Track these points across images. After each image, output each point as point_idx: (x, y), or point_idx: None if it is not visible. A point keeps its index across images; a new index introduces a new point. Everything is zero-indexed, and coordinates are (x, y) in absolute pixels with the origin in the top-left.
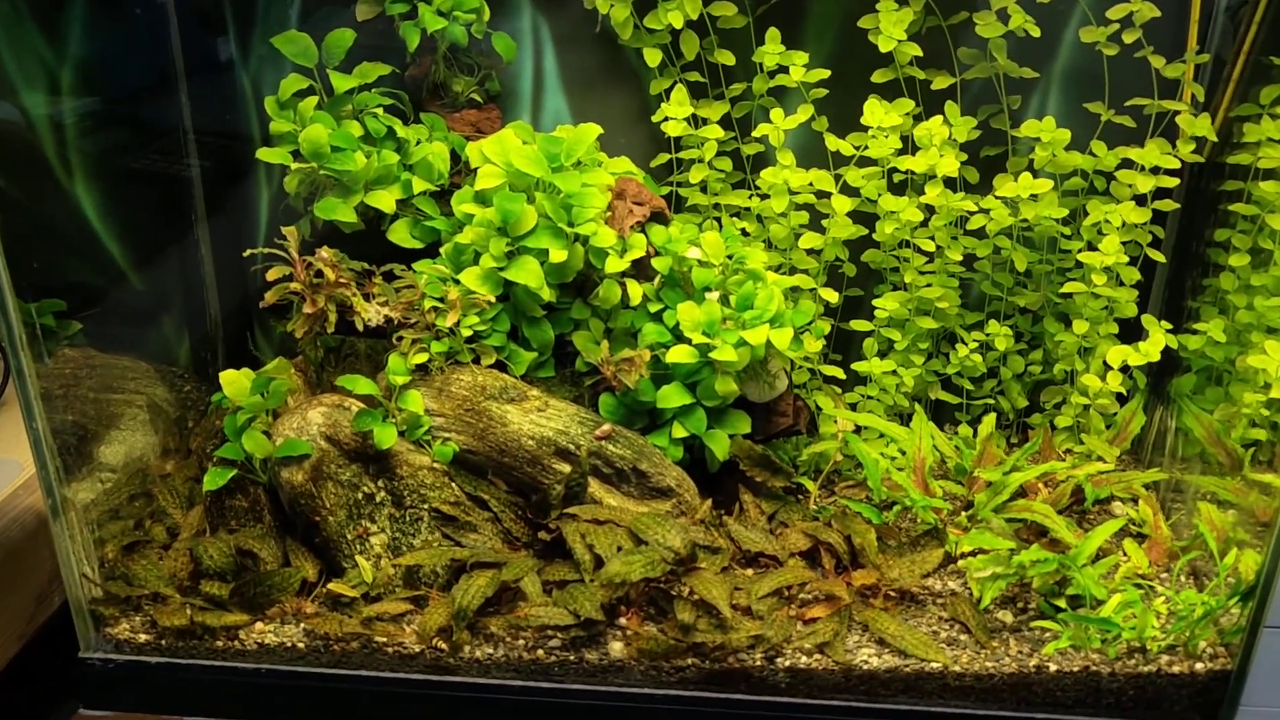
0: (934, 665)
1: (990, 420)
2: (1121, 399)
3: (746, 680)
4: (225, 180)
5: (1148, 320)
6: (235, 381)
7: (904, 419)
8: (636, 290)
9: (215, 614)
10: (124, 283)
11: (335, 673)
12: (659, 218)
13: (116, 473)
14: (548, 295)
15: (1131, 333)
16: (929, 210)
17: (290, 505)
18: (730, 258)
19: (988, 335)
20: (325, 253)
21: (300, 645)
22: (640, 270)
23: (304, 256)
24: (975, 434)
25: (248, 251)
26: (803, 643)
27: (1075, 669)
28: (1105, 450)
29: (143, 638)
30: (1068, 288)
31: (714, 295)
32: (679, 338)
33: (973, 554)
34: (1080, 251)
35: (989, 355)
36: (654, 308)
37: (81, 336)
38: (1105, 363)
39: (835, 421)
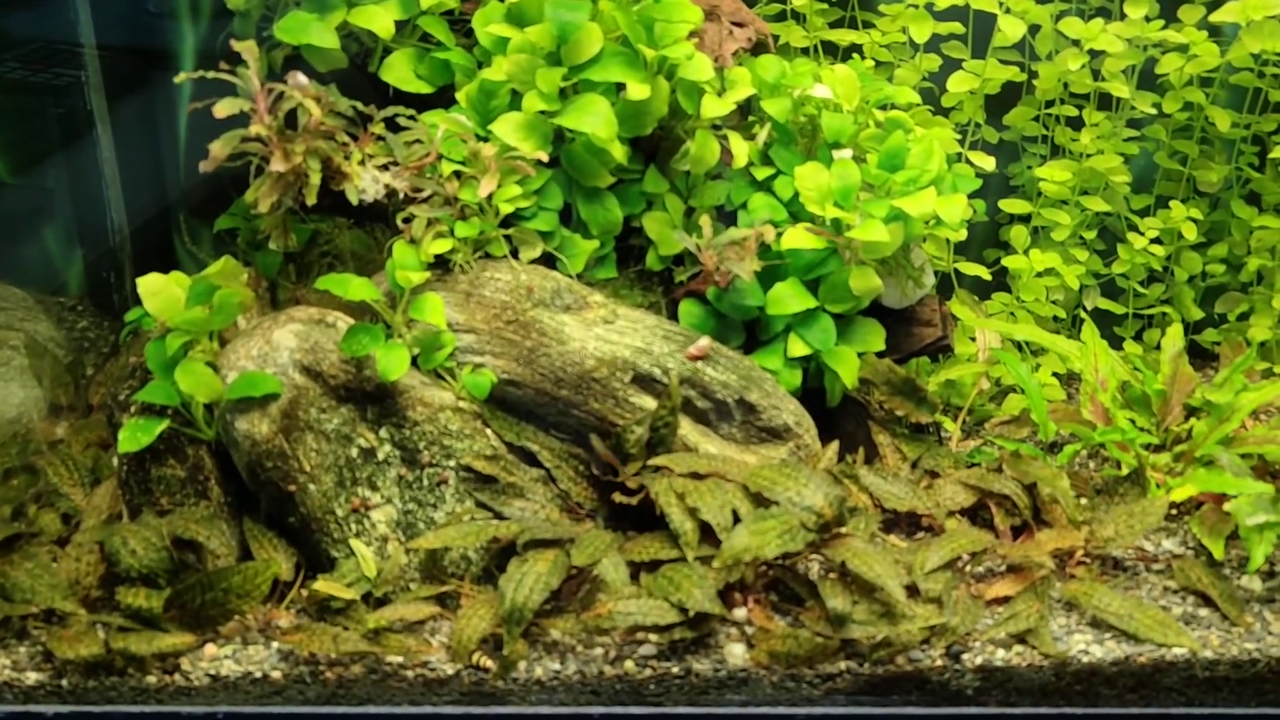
0: (1177, 652)
1: (1176, 332)
2: None
3: (921, 686)
4: (130, 27)
5: None
6: (162, 290)
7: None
8: (741, 147)
9: (143, 636)
10: None
11: (329, 712)
12: (762, 49)
13: None
14: (621, 155)
15: None
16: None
17: (251, 471)
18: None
19: (1165, 223)
20: (303, 78)
21: (275, 674)
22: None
23: (271, 84)
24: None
25: (181, 76)
26: (996, 631)
27: None
28: None
29: (32, 678)
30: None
31: (847, 153)
32: (797, 216)
33: (1192, 504)
34: None
35: (1162, 249)
36: (761, 174)
37: None
38: None
39: (974, 338)
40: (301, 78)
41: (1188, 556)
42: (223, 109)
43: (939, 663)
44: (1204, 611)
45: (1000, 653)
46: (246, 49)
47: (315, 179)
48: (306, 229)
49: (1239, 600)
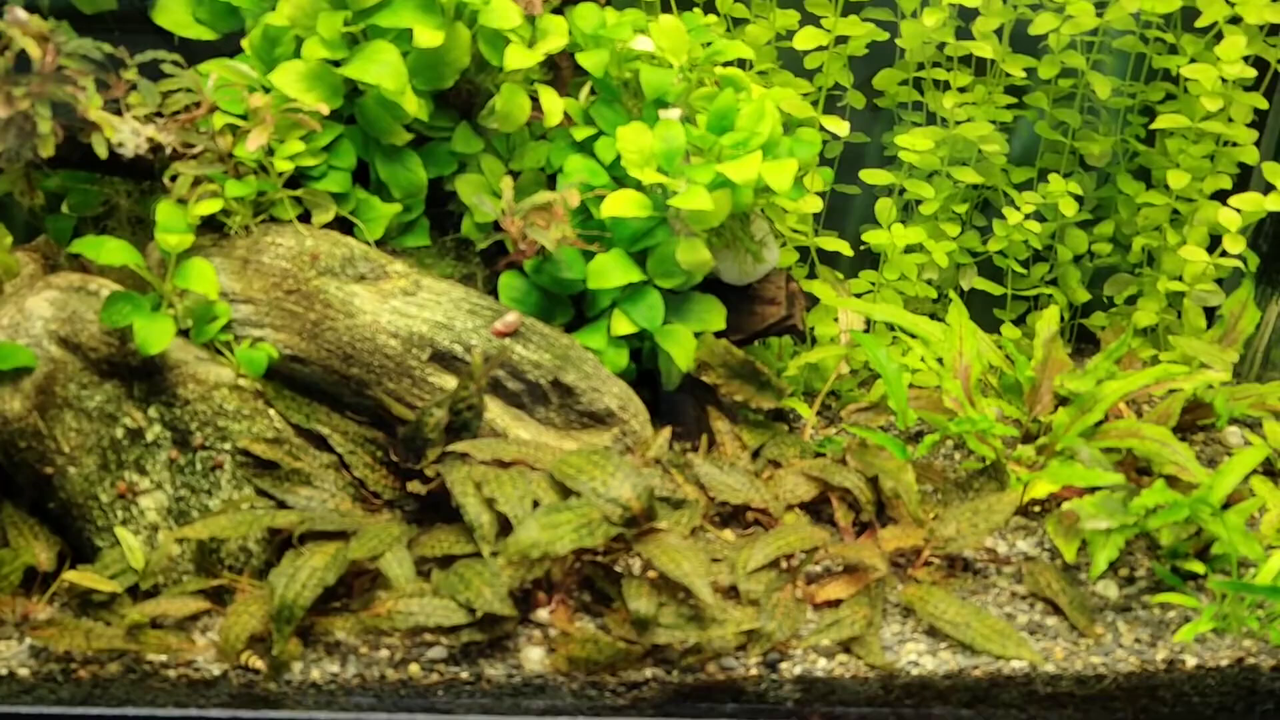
0: (1017, 665)
1: (1052, 314)
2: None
3: (736, 697)
4: None
5: (1272, 169)
6: None
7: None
8: (555, 104)
9: None
10: None
11: (83, 713)
12: None
13: None
14: (414, 108)
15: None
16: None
17: (5, 451)
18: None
19: (1045, 197)
20: (22, 13)
21: (23, 672)
22: (558, 79)
23: None
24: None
25: None
26: (820, 638)
27: (1223, 663)
28: (1212, 354)
29: None
30: (1163, 121)
31: (674, 113)
32: (620, 181)
33: (1054, 501)
34: (1186, 65)
35: (1044, 227)
36: (581, 134)
37: None
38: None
39: (836, 318)
40: (20, 13)
41: (1041, 559)
42: None
43: (755, 671)
44: (1052, 620)
45: (822, 662)
46: None
47: (44, 126)
48: (95, 190)
49: (1089, 609)
